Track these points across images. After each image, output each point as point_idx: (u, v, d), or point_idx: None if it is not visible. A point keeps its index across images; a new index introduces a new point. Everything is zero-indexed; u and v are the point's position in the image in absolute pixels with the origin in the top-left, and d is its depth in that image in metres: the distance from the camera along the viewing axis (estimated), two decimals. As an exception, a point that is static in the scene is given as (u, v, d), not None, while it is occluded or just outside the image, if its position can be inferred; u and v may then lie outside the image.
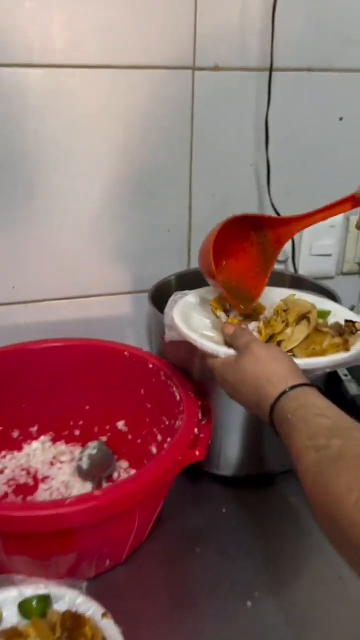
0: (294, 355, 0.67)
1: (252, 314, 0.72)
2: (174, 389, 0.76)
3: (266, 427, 0.79)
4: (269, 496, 0.81)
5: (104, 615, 0.61)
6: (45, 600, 0.61)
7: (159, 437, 0.80)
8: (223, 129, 0.89)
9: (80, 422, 0.88)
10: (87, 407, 0.88)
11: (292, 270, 1.01)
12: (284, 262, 1.00)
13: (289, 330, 0.69)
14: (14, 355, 0.83)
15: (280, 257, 0.99)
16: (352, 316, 0.73)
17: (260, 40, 0.84)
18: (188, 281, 0.94)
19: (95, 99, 0.82)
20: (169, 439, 0.77)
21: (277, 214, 0.94)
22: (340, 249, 1.03)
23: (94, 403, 0.87)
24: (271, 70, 0.84)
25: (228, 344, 0.67)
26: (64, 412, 0.88)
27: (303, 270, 0.99)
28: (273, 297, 0.78)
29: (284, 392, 0.55)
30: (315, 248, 1.00)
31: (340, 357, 0.65)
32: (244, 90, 0.87)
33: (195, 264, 0.96)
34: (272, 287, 0.79)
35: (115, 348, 0.85)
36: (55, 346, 0.86)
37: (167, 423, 0.78)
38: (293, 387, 0.55)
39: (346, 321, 0.70)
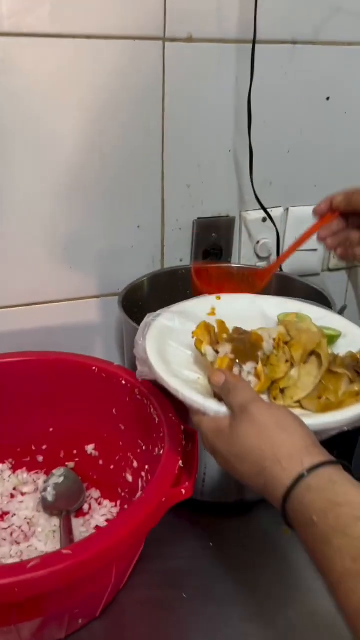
0: (301, 407, 0.53)
1: (247, 348, 0.53)
2: (151, 409, 0.66)
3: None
4: (260, 524, 0.72)
5: None
6: None
7: (135, 464, 0.70)
8: (199, 109, 0.79)
9: (44, 447, 0.77)
10: (51, 429, 0.77)
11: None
12: (267, 258, 0.91)
13: (293, 373, 0.52)
14: None
15: (263, 254, 0.90)
16: None
17: (240, 7, 0.74)
18: (162, 283, 0.85)
19: (49, 74, 0.70)
20: (146, 467, 0.68)
21: (261, 205, 0.84)
22: (326, 243, 0.94)
23: (58, 424, 0.77)
24: (254, 42, 0.74)
25: (218, 396, 0.51)
26: (24, 435, 0.76)
27: (287, 267, 0.90)
28: (267, 310, 0.64)
29: (300, 477, 0.42)
30: (300, 243, 0.91)
31: (358, 410, 0.49)
32: (223, 65, 0.77)
33: (170, 263, 0.87)
34: (263, 296, 0.67)
35: (81, 362, 0.74)
36: (11, 361, 0.74)
37: (144, 448, 0.69)
38: (312, 469, 0.42)
39: None
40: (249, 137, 0.79)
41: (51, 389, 0.75)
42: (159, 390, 0.68)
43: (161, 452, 0.60)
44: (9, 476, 0.76)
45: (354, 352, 0.56)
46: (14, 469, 0.77)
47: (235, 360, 0.52)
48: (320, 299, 0.77)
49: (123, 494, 0.72)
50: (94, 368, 0.73)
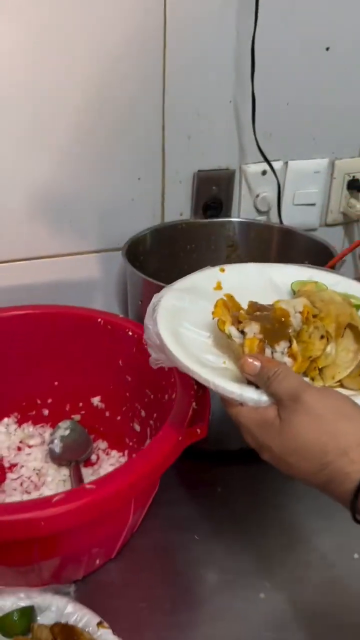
0: (341, 387, 0.47)
1: (275, 326, 0.47)
2: (159, 357, 0.66)
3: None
4: (266, 469, 0.73)
5: (99, 624, 0.52)
6: (28, 613, 0.52)
7: (143, 413, 0.71)
8: (200, 59, 0.77)
9: (49, 400, 0.77)
10: (56, 383, 0.77)
11: (276, 221, 0.91)
12: (266, 212, 0.91)
13: (330, 349, 0.46)
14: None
15: (263, 207, 0.90)
16: None
17: None
18: (164, 237, 0.84)
19: (47, 24, 0.68)
20: (154, 414, 0.68)
21: (264, 156, 0.84)
22: (325, 198, 0.94)
23: (63, 378, 0.76)
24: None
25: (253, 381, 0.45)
26: (28, 389, 0.76)
27: (286, 222, 0.90)
28: (277, 279, 0.57)
29: None
30: (298, 197, 0.91)
31: None
32: (225, 14, 0.75)
33: (171, 214, 0.86)
34: (270, 264, 0.61)
35: (86, 314, 0.74)
36: (15, 314, 0.74)
37: (152, 397, 0.69)
38: None
39: None
40: (252, 86, 0.78)
41: (56, 342, 0.74)
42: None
43: (172, 397, 0.61)
44: (15, 430, 0.76)
45: None
46: (20, 422, 0.77)
47: (265, 340, 0.46)
48: (323, 251, 0.78)
49: (131, 444, 0.73)
50: (99, 320, 0.73)
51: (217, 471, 0.73)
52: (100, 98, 0.75)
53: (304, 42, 0.82)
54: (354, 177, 0.94)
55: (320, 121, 0.89)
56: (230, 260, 0.88)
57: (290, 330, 0.47)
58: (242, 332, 0.47)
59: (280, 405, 0.43)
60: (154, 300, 0.52)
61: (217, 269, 0.57)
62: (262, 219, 0.91)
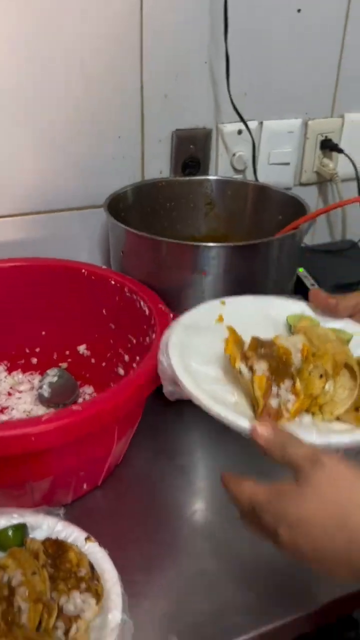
0: (339, 420, 0.51)
1: (280, 364, 0.50)
2: (141, 303, 0.70)
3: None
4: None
5: (87, 539, 0.57)
6: (21, 529, 0.56)
7: (126, 358, 0.75)
8: (175, 18, 0.80)
9: (37, 349, 0.81)
10: (43, 333, 0.81)
11: (252, 179, 0.95)
12: (242, 171, 0.95)
13: (328, 387, 0.50)
14: None
15: (239, 166, 0.94)
16: None
17: None
18: (144, 194, 0.88)
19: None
20: (137, 357, 0.73)
21: (239, 115, 0.87)
22: (299, 158, 0.98)
23: (50, 328, 0.80)
24: None
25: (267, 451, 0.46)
26: (17, 339, 0.80)
27: (262, 180, 0.94)
28: (272, 312, 0.61)
29: None
30: (273, 156, 0.95)
31: None
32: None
33: (150, 172, 0.90)
34: (264, 297, 0.65)
35: (70, 266, 0.78)
36: (1, 267, 0.77)
37: (134, 341, 0.73)
38: None
39: None
40: (226, 46, 0.81)
41: (42, 293, 0.78)
42: (146, 286, 0.73)
43: (153, 339, 0.65)
44: (5, 377, 0.80)
45: None
46: (9, 370, 0.81)
47: (272, 378, 0.49)
48: (297, 207, 0.81)
49: (115, 387, 0.77)
50: (83, 271, 0.77)
51: (193, 410, 0.78)
52: (81, 60, 0.78)
53: (276, 3, 0.85)
54: (326, 137, 0.98)
55: (293, 82, 0.92)
56: (208, 218, 0.92)
57: (292, 369, 0.51)
58: (251, 369, 0.50)
59: (297, 471, 0.42)
60: (164, 337, 0.57)
61: (218, 301, 0.62)
62: (238, 177, 0.95)
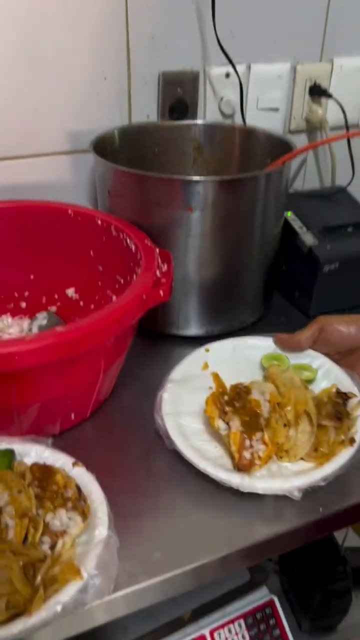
0: (303, 461, 0.59)
1: (251, 418, 0.60)
2: (127, 241, 0.70)
3: (230, 280, 0.77)
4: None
5: (74, 464, 0.58)
6: (9, 454, 0.57)
7: (114, 298, 0.75)
8: None
9: (26, 293, 0.82)
10: (32, 277, 0.81)
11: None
12: (230, 116, 0.94)
13: (292, 433, 0.59)
14: None
15: (227, 111, 0.93)
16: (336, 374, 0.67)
17: None
18: (133, 138, 0.87)
19: None
20: (125, 296, 0.73)
21: (227, 56, 0.86)
22: (287, 104, 0.97)
23: (38, 271, 0.81)
24: None
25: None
26: (5, 283, 0.80)
27: (250, 126, 0.93)
28: (249, 354, 0.72)
29: None
30: (262, 101, 0.95)
31: (348, 454, 0.58)
32: None
33: (138, 117, 0.89)
34: (242, 338, 0.74)
35: (56, 207, 0.77)
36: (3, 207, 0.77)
37: (122, 281, 0.73)
38: None
39: (337, 392, 0.63)
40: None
41: (29, 236, 0.78)
42: (132, 224, 0.73)
43: (139, 271, 0.65)
44: (-6, 321, 0.80)
45: (332, 396, 0.63)
46: (-2, 314, 0.81)
47: (244, 433, 0.59)
48: (285, 150, 0.81)
49: (104, 328, 0.78)
50: (69, 212, 0.76)
51: (180, 351, 0.79)
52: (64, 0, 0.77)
53: None
54: (315, 82, 0.97)
55: (281, 25, 0.91)
56: (197, 164, 0.92)
57: (261, 420, 0.60)
58: (227, 424, 0.60)
59: None
60: (159, 395, 0.64)
61: (202, 349, 0.71)
62: (228, 122, 0.94)
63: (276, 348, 0.72)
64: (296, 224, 0.86)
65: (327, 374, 0.68)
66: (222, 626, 0.81)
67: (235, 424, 0.59)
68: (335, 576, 0.85)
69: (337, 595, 0.86)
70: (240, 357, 0.72)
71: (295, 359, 0.70)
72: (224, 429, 0.59)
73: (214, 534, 0.54)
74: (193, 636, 0.79)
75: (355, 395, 0.63)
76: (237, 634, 0.81)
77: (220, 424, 0.60)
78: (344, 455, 0.57)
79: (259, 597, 0.84)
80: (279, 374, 0.65)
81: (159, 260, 0.66)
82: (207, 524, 0.55)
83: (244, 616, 0.82)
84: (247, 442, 0.58)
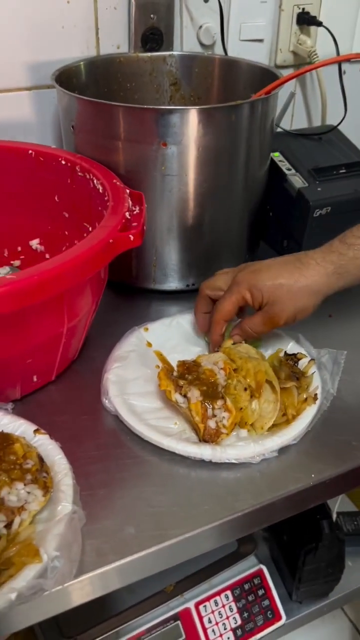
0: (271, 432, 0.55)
1: (209, 387, 0.55)
2: (95, 181, 0.63)
3: (211, 226, 0.70)
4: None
5: (36, 431, 0.51)
6: None
7: (82, 248, 0.68)
8: None
9: (-18, 246, 0.74)
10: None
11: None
12: (210, 47, 0.85)
13: (254, 406, 0.55)
14: None
15: (207, 41, 0.84)
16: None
17: None
18: (100, 71, 0.78)
19: None
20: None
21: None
22: (273, 34, 0.88)
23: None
24: None
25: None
26: None
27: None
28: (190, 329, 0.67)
29: None
30: (245, 30, 0.85)
31: (313, 410, 0.56)
32: None
33: (107, 48, 0.80)
34: (181, 315, 0.68)
35: (14, 147, 0.69)
36: None
37: (91, 229, 0.66)
38: None
39: (286, 355, 0.61)
40: None
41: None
42: (99, 163, 0.65)
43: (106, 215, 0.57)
44: None
45: (282, 360, 0.60)
46: None
47: (205, 402, 0.54)
48: (269, 78, 0.72)
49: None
50: (30, 152, 0.68)
51: (158, 308, 0.72)
52: None
53: None
54: (303, 9, 0.87)
55: None
56: (174, 101, 0.83)
57: (220, 389, 0.56)
58: (185, 396, 0.55)
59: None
60: (104, 377, 0.58)
61: (141, 329, 0.65)
62: (207, 54, 0.85)
63: None
64: (284, 165, 0.78)
65: (269, 341, 0.65)
66: (208, 598, 0.76)
67: (195, 394, 0.55)
68: (328, 542, 0.80)
69: (329, 562, 0.82)
70: (182, 332, 0.67)
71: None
72: (182, 401, 0.55)
73: (191, 507, 0.48)
74: (177, 610, 0.74)
75: (304, 355, 0.61)
76: (224, 606, 0.76)
77: (177, 397, 0.55)
78: (309, 412, 0.56)
79: (246, 566, 0.79)
80: (233, 348, 0.61)
81: (130, 202, 0.59)
82: (183, 497, 0.49)
83: (231, 587, 0.77)
84: (210, 411, 0.54)
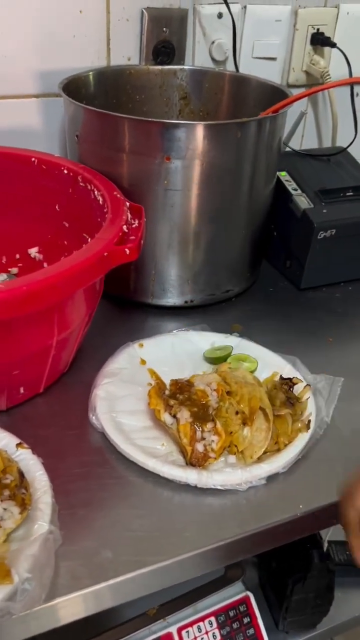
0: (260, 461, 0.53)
1: (199, 408, 0.54)
2: (95, 192, 0.62)
3: (213, 243, 0.69)
4: (216, 321, 0.70)
5: (18, 445, 0.50)
6: None
7: (80, 259, 0.67)
8: None
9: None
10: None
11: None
12: (222, 62, 0.84)
13: (246, 433, 0.53)
14: None
15: (219, 56, 0.83)
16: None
17: None
18: (111, 82, 0.78)
19: None
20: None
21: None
22: (286, 52, 0.88)
23: (-3, 227, 0.72)
24: None
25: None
26: None
27: (244, 76, 0.84)
28: (190, 347, 0.65)
29: None
30: (258, 48, 0.85)
31: (305, 439, 0.54)
32: None
33: (117, 60, 0.79)
34: (181, 332, 0.67)
35: (18, 154, 0.68)
36: None
37: (89, 240, 0.64)
38: None
39: (281, 379, 0.59)
40: None
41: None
42: (102, 174, 0.64)
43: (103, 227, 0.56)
44: None
45: (277, 384, 0.58)
46: None
47: (195, 424, 0.53)
48: (280, 96, 0.72)
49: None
50: (33, 159, 0.67)
51: (155, 324, 0.71)
52: None
53: None
54: (318, 29, 0.87)
55: None
56: (183, 115, 0.82)
57: (211, 411, 0.54)
58: (174, 417, 0.53)
59: None
60: (93, 393, 0.57)
61: (136, 345, 0.64)
62: (220, 69, 0.84)
63: (216, 342, 0.66)
64: (290, 185, 0.77)
65: (266, 364, 0.63)
66: (192, 624, 0.74)
67: (184, 415, 0.53)
68: (317, 572, 0.78)
69: (318, 592, 0.79)
70: (181, 350, 0.65)
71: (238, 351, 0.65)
72: (171, 422, 0.54)
73: (172, 533, 0.46)
74: (159, 634, 0.72)
75: (300, 380, 0.60)
76: (207, 632, 0.74)
77: (166, 417, 0.54)
78: (301, 440, 0.54)
79: (232, 593, 0.77)
80: (230, 372, 0.60)
81: (129, 215, 0.58)
82: (165, 522, 0.47)
83: (216, 613, 0.75)
84: (199, 434, 0.52)
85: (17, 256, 0.73)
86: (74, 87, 0.71)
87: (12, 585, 0.39)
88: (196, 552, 0.45)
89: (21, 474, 0.47)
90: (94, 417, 0.55)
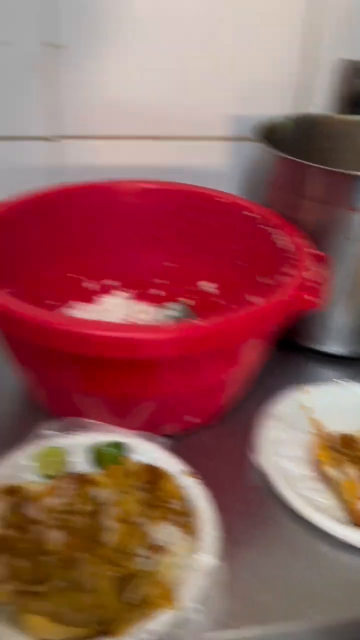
0: None
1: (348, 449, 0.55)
2: (277, 236, 0.63)
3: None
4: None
5: (186, 472, 0.52)
6: (119, 447, 0.53)
7: (249, 299, 0.68)
8: None
9: (157, 280, 0.77)
10: (165, 264, 0.76)
11: None
12: None
13: None
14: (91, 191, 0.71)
15: None
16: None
17: None
18: (302, 128, 0.79)
19: None
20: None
21: None
22: None
23: (175, 259, 0.75)
24: None
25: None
26: (139, 267, 0.76)
27: None
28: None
29: None
30: None
31: None
32: None
33: (309, 108, 0.80)
34: (352, 383, 0.65)
35: (203, 192, 0.72)
36: (132, 187, 0.72)
37: (262, 282, 0.66)
38: None
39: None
40: None
41: (171, 221, 0.73)
42: (285, 219, 0.65)
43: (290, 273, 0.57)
44: (122, 302, 0.76)
45: None
46: (131, 298, 0.77)
47: None
48: None
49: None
50: (217, 199, 0.71)
51: (314, 369, 0.71)
52: None
53: None
54: None
55: None
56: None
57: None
58: (340, 472, 0.53)
59: None
60: (256, 432, 0.58)
61: (300, 390, 0.63)
62: None
63: None
64: None
65: None
66: None
67: (350, 472, 0.52)
68: None
69: None
70: (344, 405, 0.63)
71: None
72: (336, 476, 0.53)
73: (335, 593, 0.45)
74: None
75: None
76: None
77: (332, 471, 0.53)
78: None
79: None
80: None
81: (313, 263, 0.58)
82: (326, 577, 0.46)
83: None
84: None
85: (191, 288, 0.76)
86: (266, 132, 0.74)
87: (180, 612, 0.41)
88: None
89: (186, 502, 0.49)
90: (256, 458, 0.56)
